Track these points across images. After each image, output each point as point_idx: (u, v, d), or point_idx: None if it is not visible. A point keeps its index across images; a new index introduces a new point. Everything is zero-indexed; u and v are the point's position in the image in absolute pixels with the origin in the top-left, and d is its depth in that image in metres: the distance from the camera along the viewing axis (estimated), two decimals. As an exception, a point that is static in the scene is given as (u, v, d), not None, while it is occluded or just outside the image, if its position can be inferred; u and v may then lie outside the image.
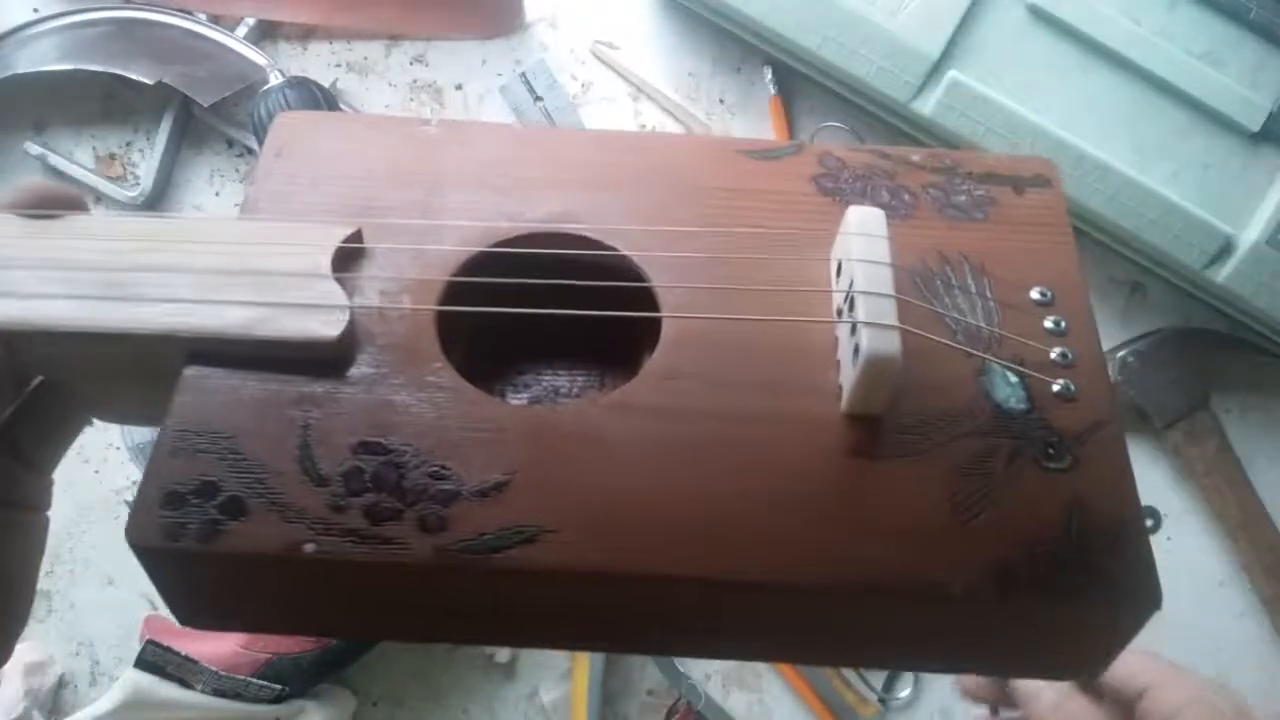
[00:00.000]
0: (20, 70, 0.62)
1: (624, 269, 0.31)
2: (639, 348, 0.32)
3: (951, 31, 0.59)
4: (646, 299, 0.31)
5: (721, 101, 0.68)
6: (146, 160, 0.65)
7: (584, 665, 0.62)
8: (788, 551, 0.26)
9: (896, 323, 0.27)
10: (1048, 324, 0.31)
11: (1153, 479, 0.67)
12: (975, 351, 0.30)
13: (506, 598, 0.28)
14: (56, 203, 0.32)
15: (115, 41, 0.63)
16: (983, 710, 0.48)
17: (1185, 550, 0.67)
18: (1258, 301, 0.60)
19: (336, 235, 0.31)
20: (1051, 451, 0.28)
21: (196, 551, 0.26)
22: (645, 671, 0.66)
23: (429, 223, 0.32)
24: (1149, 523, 0.67)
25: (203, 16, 0.64)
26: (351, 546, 0.26)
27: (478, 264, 0.31)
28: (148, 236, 0.31)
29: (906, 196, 0.33)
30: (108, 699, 0.58)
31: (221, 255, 0.30)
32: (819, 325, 0.30)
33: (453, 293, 0.31)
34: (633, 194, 0.33)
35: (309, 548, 0.26)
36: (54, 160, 0.65)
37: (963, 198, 0.33)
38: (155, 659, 0.58)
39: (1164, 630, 0.69)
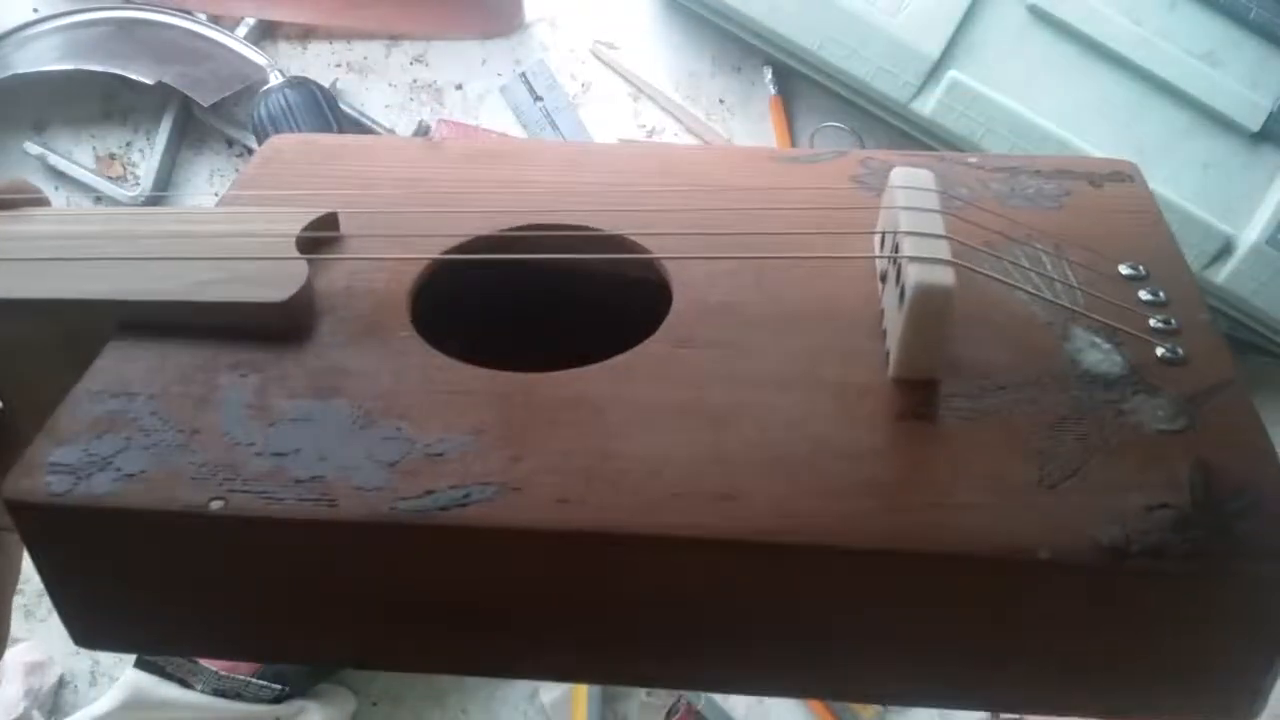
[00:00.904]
0: (20, 70, 0.62)
1: (632, 252, 0.28)
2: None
3: (951, 31, 0.59)
4: (655, 282, 0.28)
5: (721, 101, 0.68)
6: (146, 160, 0.65)
7: (584, 665, 0.62)
8: (823, 514, 0.21)
9: (948, 257, 0.24)
10: (1143, 294, 0.27)
11: (1153, 479, 0.67)
12: (1056, 317, 0.26)
13: (460, 583, 0.23)
14: (14, 192, 0.31)
15: (115, 41, 0.63)
16: None
17: (1185, 550, 0.67)
18: (1258, 301, 0.60)
19: (306, 216, 0.29)
20: (1161, 414, 0.24)
21: (83, 507, 0.22)
22: (645, 671, 0.66)
23: (420, 210, 0.30)
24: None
25: (203, 16, 0.64)
26: (264, 503, 0.22)
27: (466, 251, 0.29)
28: (107, 219, 0.30)
29: (964, 190, 0.29)
30: (108, 699, 0.58)
31: (174, 225, 0.29)
32: (858, 298, 0.26)
33: (436, 273, 0.28)
34: (651, 191, 0.30)
35: (215, 505, 0.22)
36: (54, 160, 0.65)
37: (1031, 190, 0.29)
38: (155, 659, 0.58)
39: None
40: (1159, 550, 0.21)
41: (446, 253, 0.28)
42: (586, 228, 0.29)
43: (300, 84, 0.59)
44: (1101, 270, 0.27)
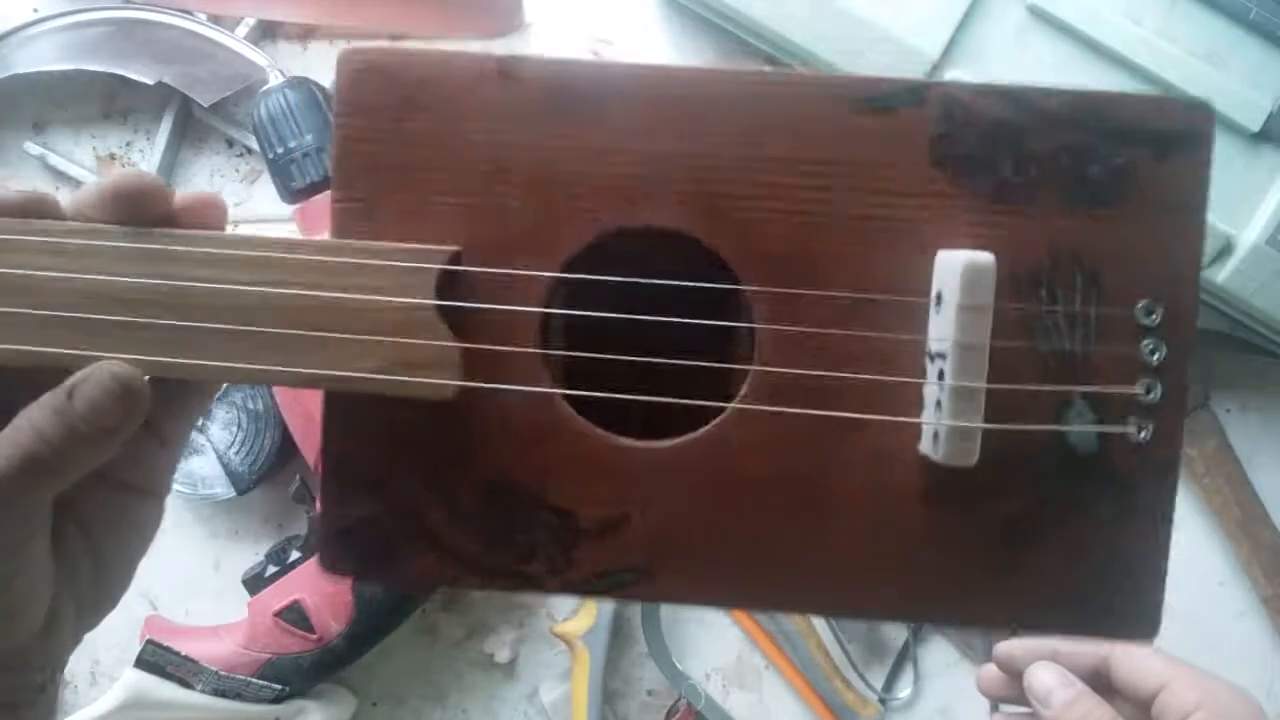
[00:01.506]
0: (20, 70, 0.62)
1: (713, 267, 0.31)
2: (727, 344, 0.33)
3: (951, 31, 0.59)
4: (735, 302, 0.31)
5: (721, 101, 0.68)
6: (146, 160, 0.65)
7: (584, 665, 0.62)
8: (840, 593, 0.30)
9: (981, 424, 0.28)
10: (1145, 349, 0.30)
11: (1153, 479, 0.67)
12: (1063, 387, 0.29)
13: None
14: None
15: (115, 41, 0.63)
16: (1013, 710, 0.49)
17: (1185, 550, 0.67)
18: (1258, 301, 0.60)
19: (433, 269, 0.29)
20: (1103, 502, 0.29)
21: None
22: (645, 671, 0.66)
23: (523, 208, 0.31)
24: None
25: (203, 16, 0.64)
26: (487, 580, 0.31)
27: (577, 268, 0.31)
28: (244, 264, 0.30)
29: (1033, 170, 0.30)
30: (108, 699, 0.58)
31: (309, 294, 0.29)
32: (911, 328, 0.30)
33: (557, 302, 0.32)
34: (732, 164, 0.31)
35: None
36: (54, 160, 0.65)
37: (1096, 169, 0.30)
38: (155, 659, 0.58)
39: (1164, 630, 0.69)
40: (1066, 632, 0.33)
41: (563, 270, 0.31)
42: (684, 236, 0.31)
43: (300, 84, 0.59)
44: (1119, 313, 0.30)
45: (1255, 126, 0.59)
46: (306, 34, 0.67)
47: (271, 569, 0.60)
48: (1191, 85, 0.59)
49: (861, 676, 0.65)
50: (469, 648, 0.66)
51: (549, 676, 0.66)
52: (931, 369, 0.29)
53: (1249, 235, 0.60)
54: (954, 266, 0.28)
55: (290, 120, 0.57)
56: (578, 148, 0.31)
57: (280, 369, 0.29)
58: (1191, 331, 0.30)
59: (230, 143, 0.66)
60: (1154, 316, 0.30)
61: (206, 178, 0.67)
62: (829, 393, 0.30)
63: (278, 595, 0.59)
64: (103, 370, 0.29)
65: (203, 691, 0.58)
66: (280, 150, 0.57)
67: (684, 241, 0.31)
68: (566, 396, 0.30)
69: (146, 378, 0.29)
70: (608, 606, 0.62)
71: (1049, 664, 0.45)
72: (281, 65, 0.63)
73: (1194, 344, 0.30)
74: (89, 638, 0.36)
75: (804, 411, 0.30)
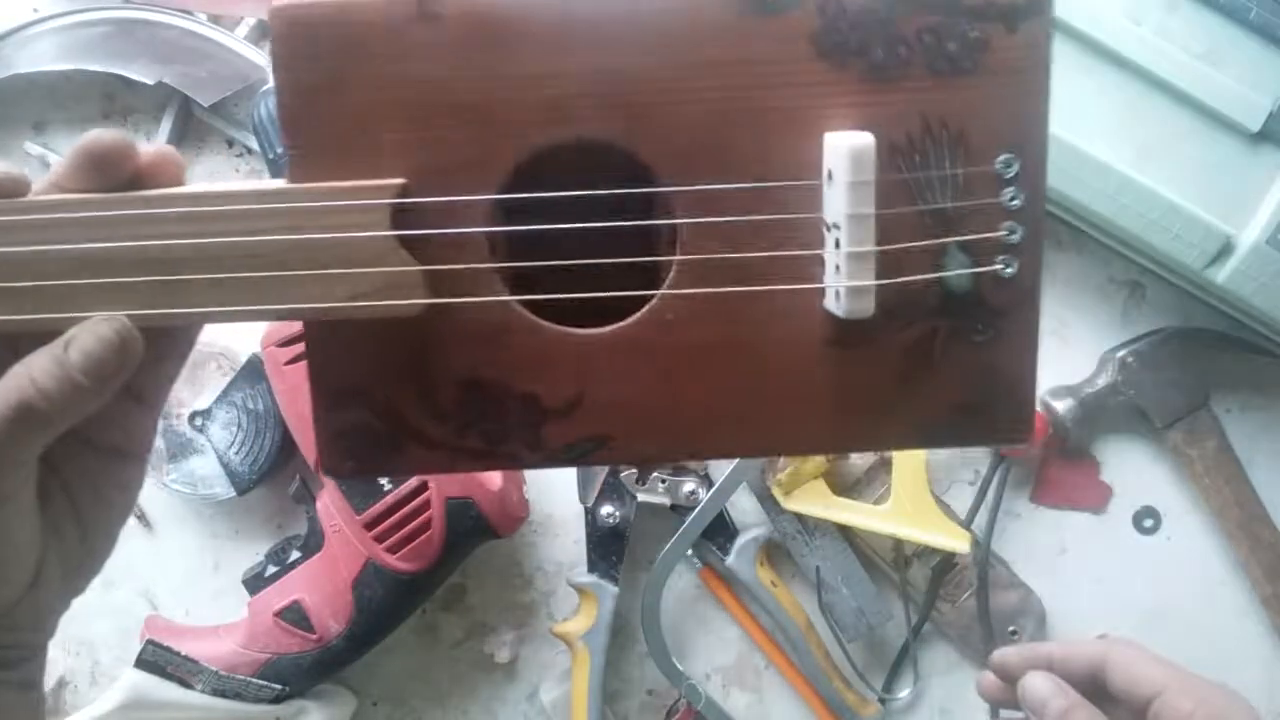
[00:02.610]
0: (20, 70, 0.62)
1: (635, 169, 0.35)
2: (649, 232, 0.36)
3: (951, 31, 0.59)
4: (654, 206, 0.35)
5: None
6: (146, 160, 0.65)
7: (584, 665, 0.62)
8: (778, 433, 0.36)
9: (874, 282, 0.33)
10: (1006, 196, 0.34)
11: (1153, 479, 0.67)
12: (941, 240, 0.34)
13: None
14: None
15: (115, 41, 0.63)
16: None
17: (1185, 550, 0.67)
18: (1258, 301, 0.60)
19: (385, 194, 0.32)
20: (979, 328, 0.35)
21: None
22: (645, 671, 0.66)
23: (458, 135, 0.34)
24: (1149, 522, 0.67)
25: (203, 16, 0.64)
26: (474, 462, 0.35)
27: (516, 186, 0.34)
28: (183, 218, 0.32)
29: (901, 50, 0.34)
30: (108, 699, 0.58)
31: (274, 235, 0.32)
32: (807, 205, 0.34)
33: (501, 217, 0.35)
34: (639, 72, 0.34)
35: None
36: (54, 160, 0.65)
37: (954, 45, 0.34)
38: (155, 659, 0.58)
39: (1164, 630, 0.69)
40: (959, 437, 0.37)
41: (500, 192, 0.34)
42: (605, 144, 0.34)
43: (300, 84, 0.59)
44: (982, 166, 0.34)
45: (1255, 126, 0.59)
46: (306, 34, 0.67)
47: (271, 569, 0.60)
48: (1191, 85, 0.59)
49: (861, 676, 0.65)
50: (469, 648, 0.66)
51: (549, 676, 0.66)
52: (829, 238, 0.34)
53: (1249, 235, 0.60)
54: (840, 148, 0.33)
55: (290, 120, 0.57)
56: (501, 75, 0.33)
57: (265, 306, 0.32)
58: (1043, 176, 0.35)
59: (230, 143, 0.66)
60: (1011, 169, 0.34)
61: (206, 178, 0.67)
62: (743, 269, 0.34)
63: (278, 595, 0.59)
64: (97, 322, 0.31)
65: (203, 691, 0.58)
66: (280, 150, 0.57)
67: (608, 152, 0.34)
68: (521, 301, 0.34)
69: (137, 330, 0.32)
70: (608, 607, 0.62)
71: (1043, 673, 0.45)
72: (281, 65, 0.63)
73: (1044, 187, 0.35)
74: (89, 637, 0.36)
75: (722, 290, 0.34)
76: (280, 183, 0.34)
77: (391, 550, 0.57)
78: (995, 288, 0.35)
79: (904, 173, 0.34)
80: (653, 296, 0.35)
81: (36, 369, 0.30)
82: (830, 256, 0.34)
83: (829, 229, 0.34)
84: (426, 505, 0.57)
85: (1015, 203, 0.34)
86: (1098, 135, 0.59)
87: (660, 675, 0.63)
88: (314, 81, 0.33)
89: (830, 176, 0.33)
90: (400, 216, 0.33)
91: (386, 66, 0.33)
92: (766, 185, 0.34)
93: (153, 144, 0.34)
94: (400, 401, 0.35)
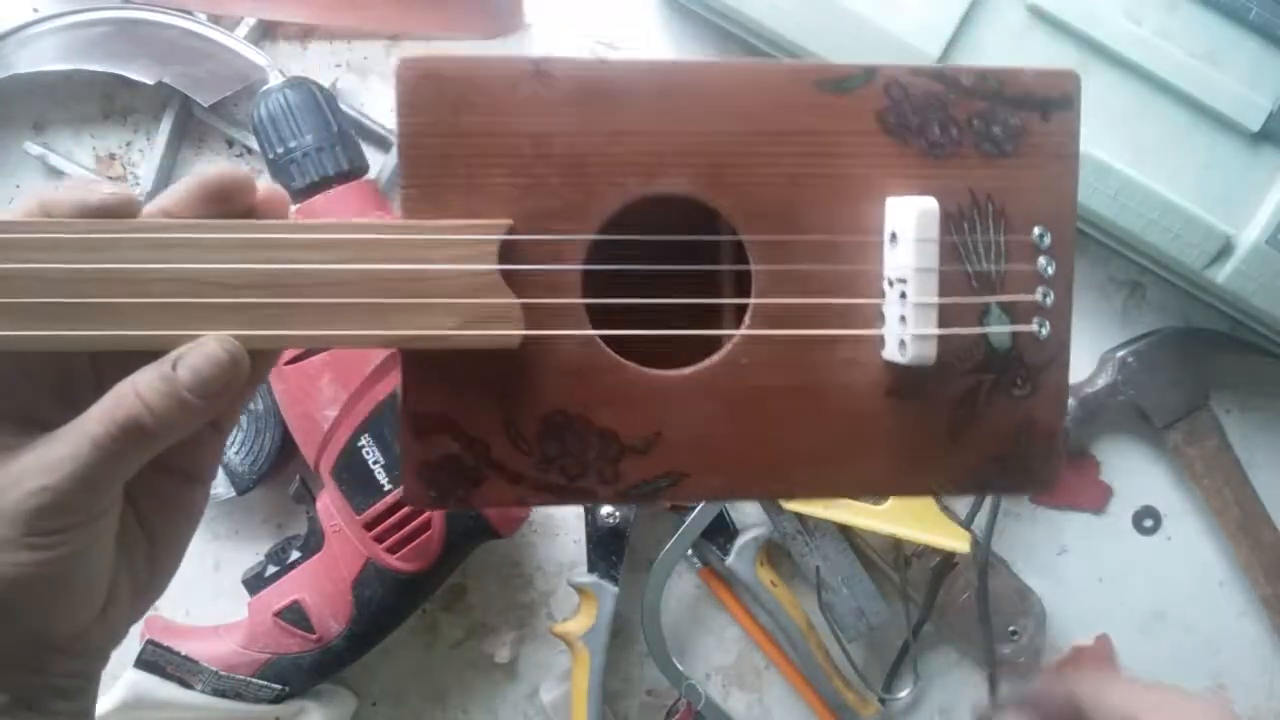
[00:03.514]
0: (20, 70, 0.62)
1: (709, 217, 0.38)
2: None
3: (951, 31, 0.59)
4: (729, 246, 0.39)
5: (721, 101, 0.68)
6: (146, 160, 0.65)
7: (584, 665, 0.62)
8: (841, 475, 0.38)
9: (937, 330, 0.36)
10: (1041, 263, 0.38)
11: (1153, 479, 0.67)
12: (984, 298, 0.38)
13: None
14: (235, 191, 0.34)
15: (115, 41, 0.63)
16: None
17: (1185, 550, 0.67)
18: (1258, 301, 0.60)
19: (494, 231, 0.35)
20: (1019, 382, 0.39)
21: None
22: (645, 671, 0.66)
23: (563, 200, 0.37)
24: (1149, 523, 0.67)
25: (203, 16, 0.64)
26: (549, 495, 0.37)
27: (607, 232, 0.37)
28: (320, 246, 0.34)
29: (954, 131, 0.38)
30: (108, 699, 0.58)
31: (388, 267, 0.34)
32: (868, 260, 0.38)
33: (591, 258, 0.37)
34: (726, 137, 0.37)
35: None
36: (54, 160, 0.65)
37: (998, 129, 0.38)
38: (155, 659, 0.58)
39: (1164, 630, 0.69)
40: (1006, 487, 0.40)
41: (597, 233, 0.37)
42: (687, 198, 0.37)
43: (300, 84, 0.58)
44: (1020, 237, 0.38)
45: (1255, 126, 0.59)
46: (306, 34, 0.67)
47: (271, 569, 0.60)
48: (1191, 85, 0.59)
49: (861, 676, 0.65)
50: (469, 648, 0.66)
51: (549, 676, 0.66)
52: (891, 292, 0.37)
53: (1249, 235, 0.60)
54: (906, 209, 0.36)
55: (290, 120, 0.57)
56: (603, 132, 0.37)
57: (377, 332, 0.34)
58: (1070, 248, 0.39)
59: (230, 143, 0.66)
60: (1045, 240, 0.38)
61: (206, 178, 0.67)
62: (811, 315, 0.38)
63: (278, 595, 0.59)
64: (207, 341, 0.31)
65: (203, 691, 0.58)
66: (280, 150, 0.57)
67: (685, 204, 0.37)
68: (605, 338, 0.37)
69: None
70: (608, 607, 0.62)
71: (1018, 714, 0.45)
72: (281, 65, 0.63)
73: (1073, 257, 0.39)
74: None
75: (793, 333, 0.37)
76: (395, 219, 0.36)
77: (391, 550, 0.57)
78: (1031, 346, 0.38)
79: (953, 236, 0.38)
80: (730, 337, 0.38)
81: (144, 386, 0.30)
82: (893, 309, 0.37)
83: (891, 284, 0.37)
84: (426, 505, 0.57)
85: (1049, 270, 0.38)
86: (1098, 135, 0.59)
87: (660, 675, 0.63)
88: (434, 128, 0.36)
89: (894, 237, 0.37)
90: (506, 254, 0.35)
91: (500, 118, 0.36)
92: (834, 239, 0.37)
93: (262, 181, 0.35)
94: (487, 433, 0.36)
